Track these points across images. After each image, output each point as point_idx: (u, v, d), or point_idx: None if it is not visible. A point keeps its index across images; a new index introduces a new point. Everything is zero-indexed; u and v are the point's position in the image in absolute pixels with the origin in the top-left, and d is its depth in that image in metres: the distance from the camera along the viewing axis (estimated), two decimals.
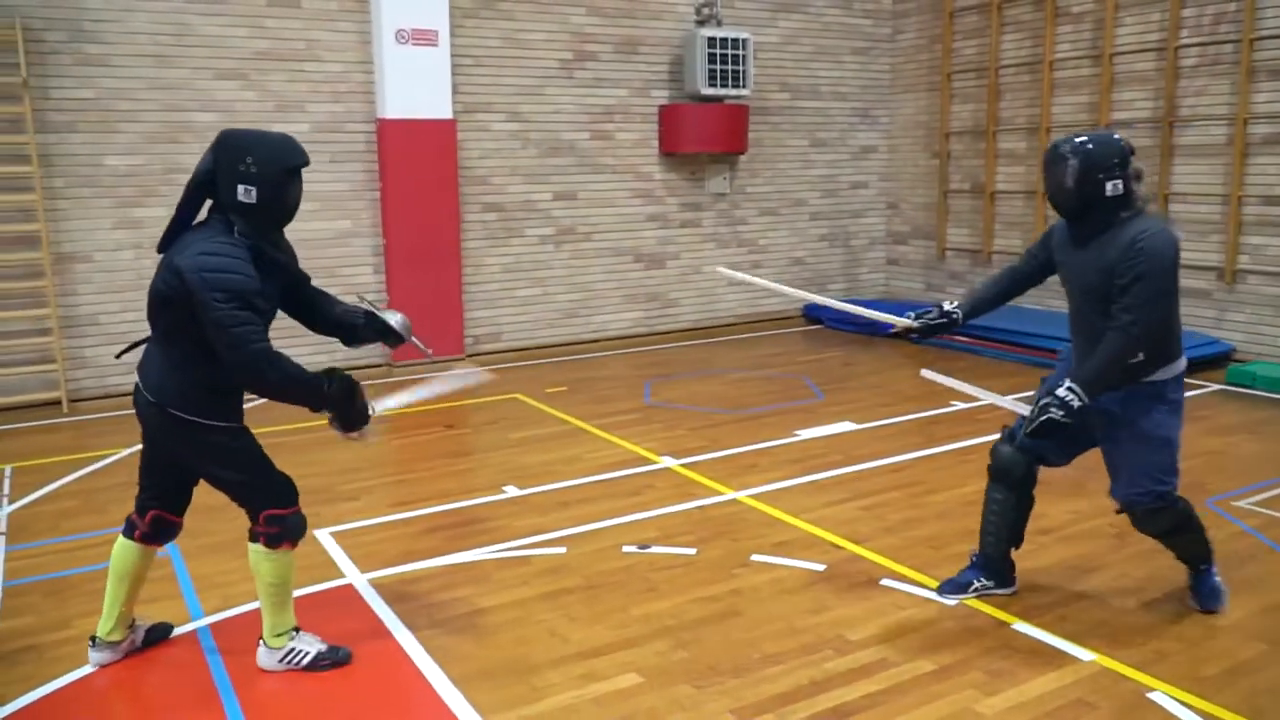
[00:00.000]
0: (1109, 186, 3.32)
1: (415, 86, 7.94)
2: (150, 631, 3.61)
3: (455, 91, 8.26)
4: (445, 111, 8.10)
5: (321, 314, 3.56)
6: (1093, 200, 3.36)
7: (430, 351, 3.79)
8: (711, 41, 8.99)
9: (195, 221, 3.20)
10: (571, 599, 3.98)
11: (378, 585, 4.11)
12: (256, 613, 3.78)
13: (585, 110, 9.02)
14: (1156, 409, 3.48)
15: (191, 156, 7.38)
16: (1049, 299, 9.43)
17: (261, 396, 3.24)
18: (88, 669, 3.46)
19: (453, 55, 8.17)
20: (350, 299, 3.76)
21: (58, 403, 7.11)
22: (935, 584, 4.04)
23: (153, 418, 3.22)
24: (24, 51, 6.70)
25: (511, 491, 5.29)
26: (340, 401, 3.22)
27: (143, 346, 3.36)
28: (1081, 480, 5.27)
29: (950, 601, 3.89)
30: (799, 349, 9.15)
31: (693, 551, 4.44)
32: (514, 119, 8.68)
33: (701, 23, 9.27)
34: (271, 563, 3.31)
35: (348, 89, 7.95)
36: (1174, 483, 3.54)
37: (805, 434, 6.28)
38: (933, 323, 3.90)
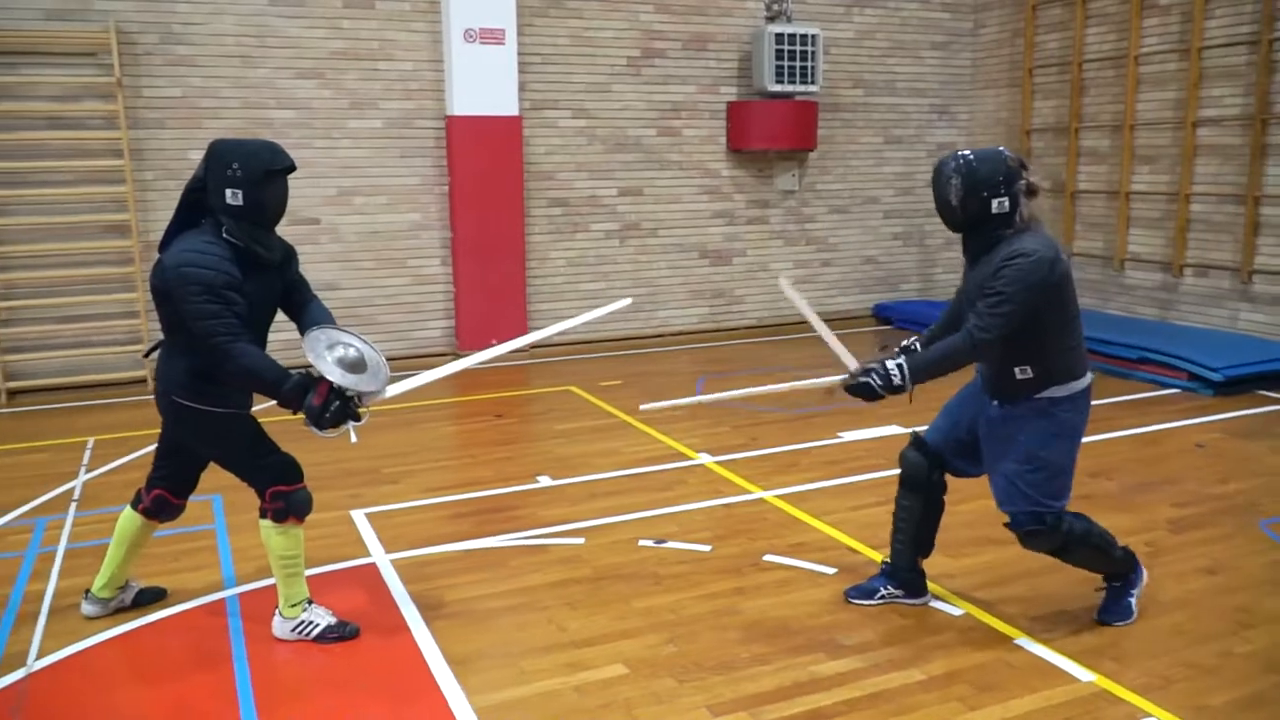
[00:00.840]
0: (994, 204, 3.32)
1: (483, 84, 8.16)
2: (140, 594, 3.91)
3: (522, 89, 8.46)
4: (512, 109, 8.31)
5: (310, 322, 3.64)
6: (978, 218, 3.36)
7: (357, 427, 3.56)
8: (779, 38, 8.97)
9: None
10: (578, 589, 4.10)
11: (399, 565, 4.31)
12: (273, 587, 4.05)
13: (652, 107, 9.12)
14: (1041, 427, 3.45)
15: None
16: (1140, 306, 9.15)
17: (228, 382, 3.39)
18: (128, 626, 3.75)
19: (520, 53, 8.37)
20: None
21: (143, 381, 7.58)
22: (945, 593, 4.03)
23: (163, 405, 3.51)
24: (118, 53, 7.16)
25: (544, 481, 5.44)
26: (292, 401, 3.32)
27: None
28: (1126, 496, 5.18)
29: (861, 603, 3.92)
30: (864, 349, 8.94)
31: (707, 549, 4.51)
32: (580, 115, 8.84)
33: (771, 19, 9.26)
34: (281, 537, 3.54)
35: (418, 87, 8.23)
36: (1056, 506, 3.51)
37: (849, 436, 6.26)
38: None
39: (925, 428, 3.91)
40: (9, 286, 7.25)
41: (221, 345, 3.23)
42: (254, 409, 3.62)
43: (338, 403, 3.33)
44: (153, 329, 7.63)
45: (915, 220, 10.56)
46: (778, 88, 9.06)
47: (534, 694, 3.33)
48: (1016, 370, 3.44)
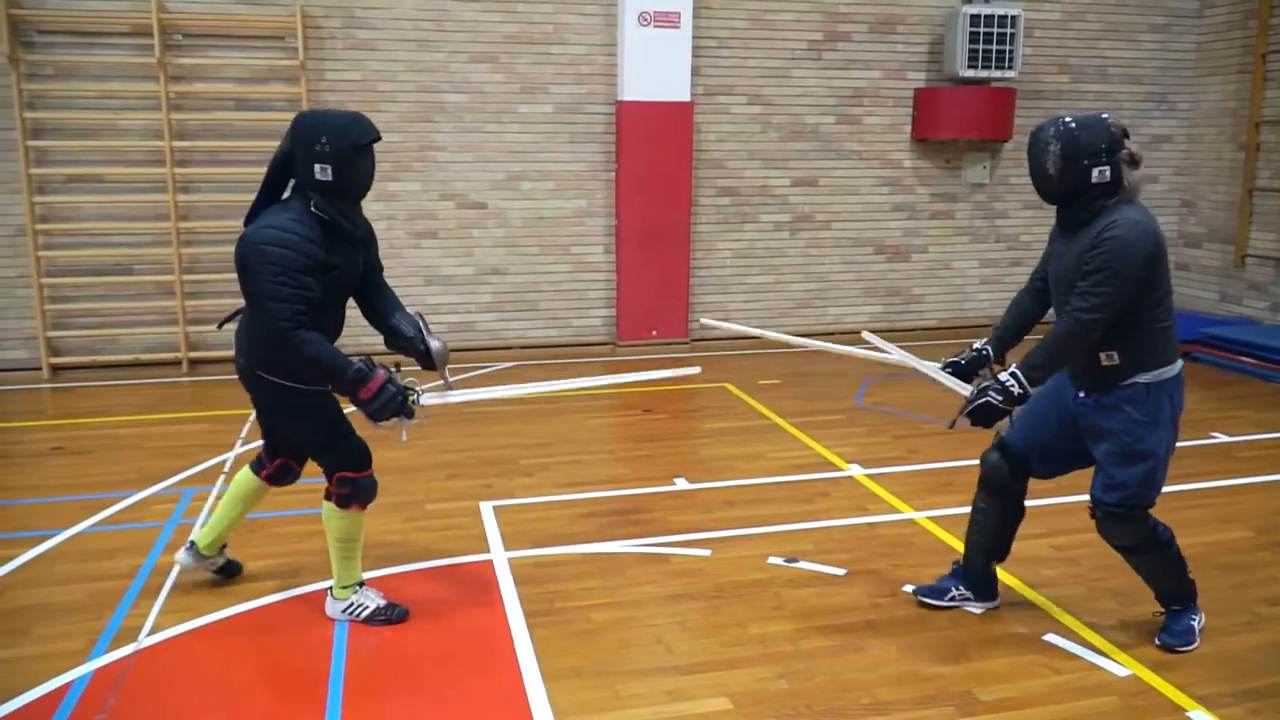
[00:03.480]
0: (1095, 173, 3.12)
1: (655, 69, 7.95)
2: (225, 566, 3.97)
3: (696, 74, 8.20)
4: (684, 94, 8.06)
5: (376, 308, 3.68)
6: (1077, 187, 3.16)
7: (450, 385, 3.68)
8: (975, 19, 8.30)
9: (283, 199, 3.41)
10: (693, 606, 3.84)
11: (515, 565, 4.18)
12: (401, 575, 4.03)
13: (833, 93, 8.65)
14: (1130, 417, 3.25)
15: (443, 135, 7.91)
16: None
17: (289, 367, 3.37)
18: (240, 608, 3.77)
19: (695, 37, 8.10)
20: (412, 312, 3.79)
21: None
22: (1111, 648, 3.52)
23: (246, 379, 3.50)
24: (303, 37, 7.39)
25: (681, 484, 5.20)
26: (350, 392, 3.29)
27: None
28: None
29: (931, 602, 3.79)
30: None
31: (842, 572, 4.14)
32: (755, 101, 8.49)
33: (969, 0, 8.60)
34: (341, 520, 3.53)
35: (590, 71, 8.11)
36: (1148, 498, 3.32)
37: None
38: (963, 366, 3.61)
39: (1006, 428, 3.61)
40: (194, 261, 7.64)
41: (286, 330, 3.20)
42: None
43: (395, 394, 3.28)
44: None
45: None
46: (971, 73, 8.40)
47: None
48: (1103, 356, 3.25)
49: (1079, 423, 3.40)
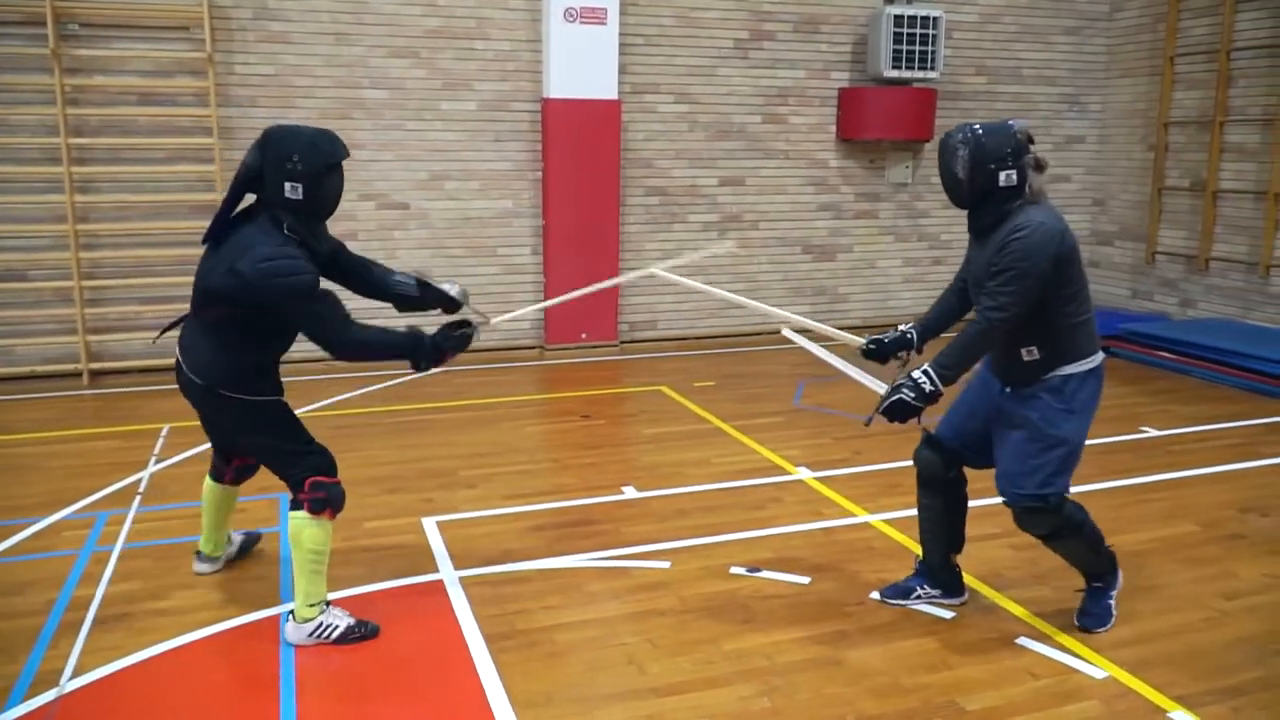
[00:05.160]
0: (1002, 177, 3.21)
1: (582, 66, 7.77)
2: (244, 543, 4.14)
3: (623, 71, 8.05)
4: (611, 92, 7.90)
5: (367, 280, 3.67)
6: (986, 191, 3.25)
7: (490, 320, 3.83)
8: (899, 20, 8.35)
9: (238, 212, 3.36)
10: (661, 622, 3.68)
11: (468, 584, 3.95)
12: (342, 601, 3.77)
13: (759, 92, 8.61)
14: (1052, 406, 3.33)
15: (363, 133, 7.58)
16: None
17: (354, 361, 3.57)
18: (172, 643, 3.47)
19: (622, 34, 7.95)
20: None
21: None
22: (1085, 650, 3.50)
23: (197, 394, 3.43)
24: (210, 28, 6.98)
25: (630, 493, 5.03)
26: (431, 357, 3.42)
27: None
28: None
29: (897, 603, 3.81)
30: None
31: (806, 580, 4.04)
32: (683, 100, 8.39)
33: (890, 0, 8.64)
34: (313, 529, 3.39)
35: (515, 68, 7.89)
36: (1061, 484, 3.38)
37: None
38: (885, 344, 3.75)
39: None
40: (95, 265, 7.16)
41: (343, 340, 3.25)
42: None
43: (457, 339, 3.47)
44: None
45: None
46: (894, 74, 8.45)
47: None
48: (1024, 352, 3.33)
49: (1000, 414, 3.46)
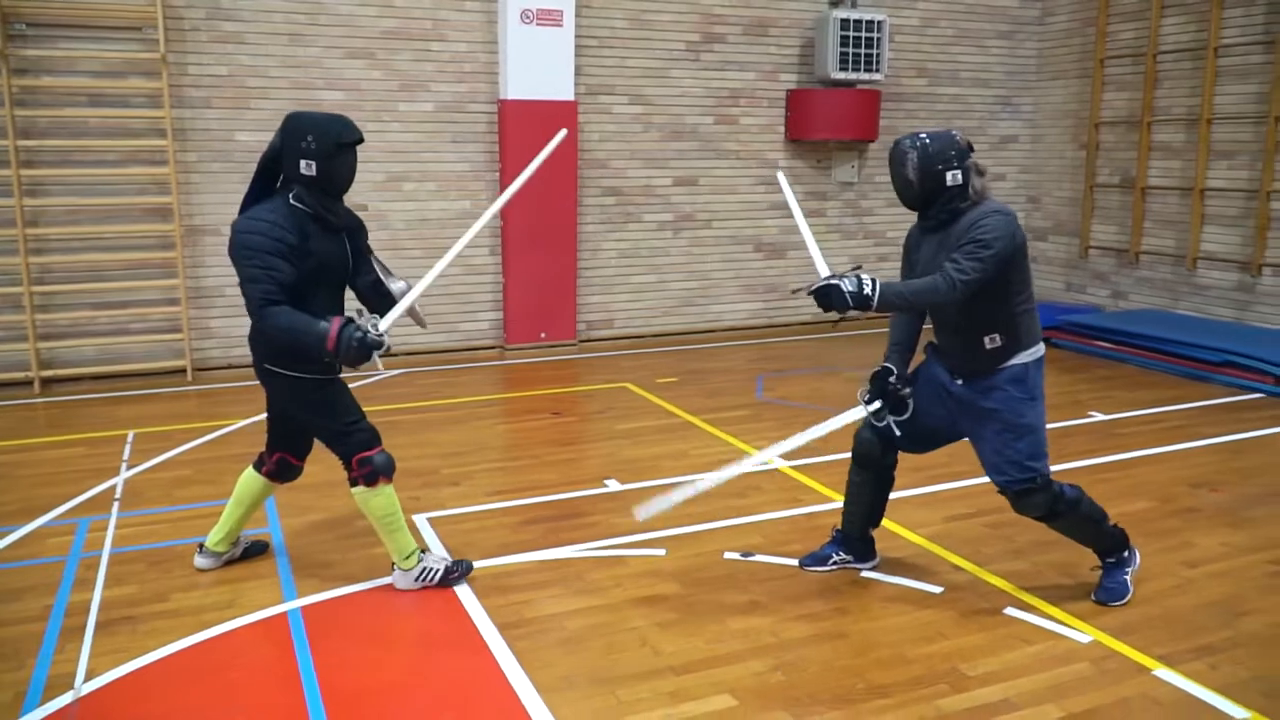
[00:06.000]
0: (949, 176, 3.47)
1: (538, 67, 7.83)
2: (249, 549, 4.14)
3: (578, 73, 8.13)
4: (567, 93, 7.98)
5: (359, 285, 3.83)
6: (934, 191, 3.49)
7: (425, 325, 4.12)
8: (845, 24, 8.60)
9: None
10: (666, 606, 3.78)
11: (470, 578, 3.99)
12: (350, 596, 3.81)
13: (710, 94, 8.77)
14: (1014, 396, 3.55)
15: None
16: (1213, 306, 8.75)
17: (273, 344, 3.51)
18: (183, 644, 3.45)
19: (577, 36, 8.03)
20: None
21: (183, 371, 7.31)
22: (1069, 617, 3.70)
23: (261, 375, 3.67)
24: (163, 28, 6.87)
25: (613, 486, 5.12)
26: (319, 348, 3.38)
27: None
28: (1236, 509, 4.82)
29: (816, 569, 4.07)
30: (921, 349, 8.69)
31: (797, 563, 4.18)
32: (637, 101, 8.50)
33: (835, 4, 8.88)
34: (376, 498, 3.68)
35: (472, 69, 7.91)
36: (1041, 465, 3.60)
37: None
38: (892, 395, 3.78)
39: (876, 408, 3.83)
40: (45, 270, 6.98)
41: (259, 308, 3.38)
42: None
43: (353, 333, 3.36)
44: (193, 316, 7.36)
45: None
46: (841, 75, 8.69)
47: None
48: (986, 340, 3.53)
49: (960, 409, 3.67)
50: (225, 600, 3.80)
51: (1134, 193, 9.19)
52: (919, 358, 3.92)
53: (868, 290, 3.35)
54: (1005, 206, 3.52)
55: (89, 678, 3.23)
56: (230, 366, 7.53)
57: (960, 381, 3.65)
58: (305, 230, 3.46)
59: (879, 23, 8.72)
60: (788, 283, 9.43)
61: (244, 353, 7.68)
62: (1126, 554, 3.88)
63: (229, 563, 4.08)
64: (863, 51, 8.69)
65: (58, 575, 4.00)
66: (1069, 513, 3.69)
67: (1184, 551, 4.34)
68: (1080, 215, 9.74)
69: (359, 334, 3.38)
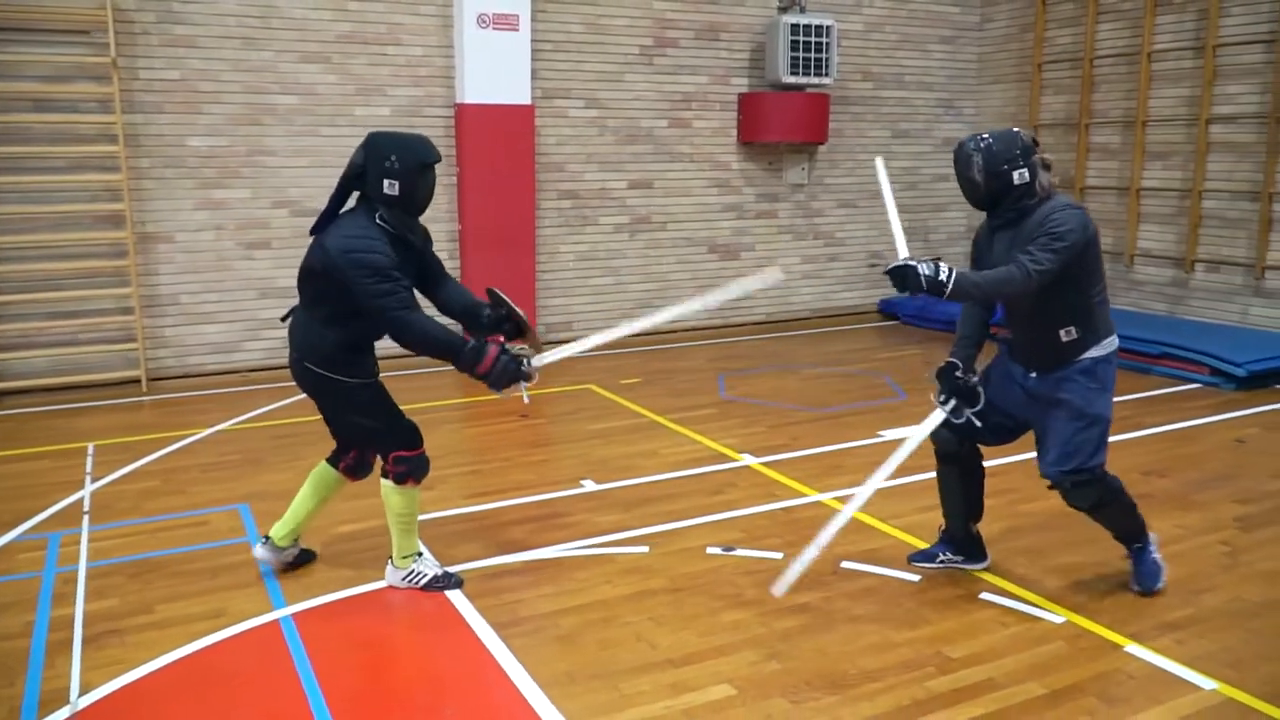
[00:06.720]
0: (1015, 175, 3.51)
1: (495, 71, 7.85)
2: (301, 554, 4.14)
3: (535, 77, 8.17)
4: (524, 97, 8.01)
5: (448, 297, 3.92)
6: (1002, 190, 3.54)
7: (540, 353, 3.89)
8: (795, 28, 8.77)
9: (344, 209, 3.69)
10: (657, 602, 3.85)
11: (460, 579, 4.02)
12: (340, 603, 3.83)
13: (664, 98, 8.87)
14: (1090, 388, 3.61)
15: (273, 139, 7.46)
16: (1149, 301, 9.08)
17: (410, 349, 3.64)
18: (177, 654, 3.43)
19: (533, 40, 8.07)
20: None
21: (138, 381, 7.18)
22: (1041, 600, 3.86)
23: (301, 374, 3.74)
24: (114, 32, 6.74)
25: (590, 486, 5.18)
26: (471, 365, 3.54)
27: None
28: (1186, 494, 5.05)
29: (922, 568, 4.10)
30: (875, 345, 8.92)
31: (779, 555, 4.28)
32: (592, 105, 8.57)
33: (784, 9, 9.05)
34: (400, 496, 3.81)
35: (428, 73, 7.90)
36: (1102, 458, 3.66)
37: (890, 435, 6.06)
38: (962, 388, 3.84)
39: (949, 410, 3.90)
40: None
41: (401, 318, 3.47)
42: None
43: (508, 362, 3.56)
44: (147, 325, 7.23)
45: (920, 215, 10.41)
46: (792, 79, 8.85)
47: (642, 719, 3.07)
48: (1062, 333, 3.58)
49: (1032, 401, 3.72)
50: (213, 610, 3.77)
51: (1073, 193, 9.50)
52: (988, 353, 3.93)
53: (943, 277, 3.34)
54: (1075, 201, 3.57)
55: (84, 691, 3.19)
56: (186, 376, 7.42)
57: (1034, 375, 3.70)
58: (393, 249, 3.54)
59: (828, 28, 8.91)
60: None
61: (199, 361, 7.64)
62: (1146, 535, 3.95)
63: (286, 565, 4.06)
64: (813, 56, 8.87)
65: (34, 591, 3.93)
66: (1114, 503, 3.76)
67: None
68: None
69: (514, 364, 3.56)
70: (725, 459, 5.63)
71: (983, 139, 3.56)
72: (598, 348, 4.00)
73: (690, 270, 9.29)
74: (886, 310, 10.13)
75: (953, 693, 3.23)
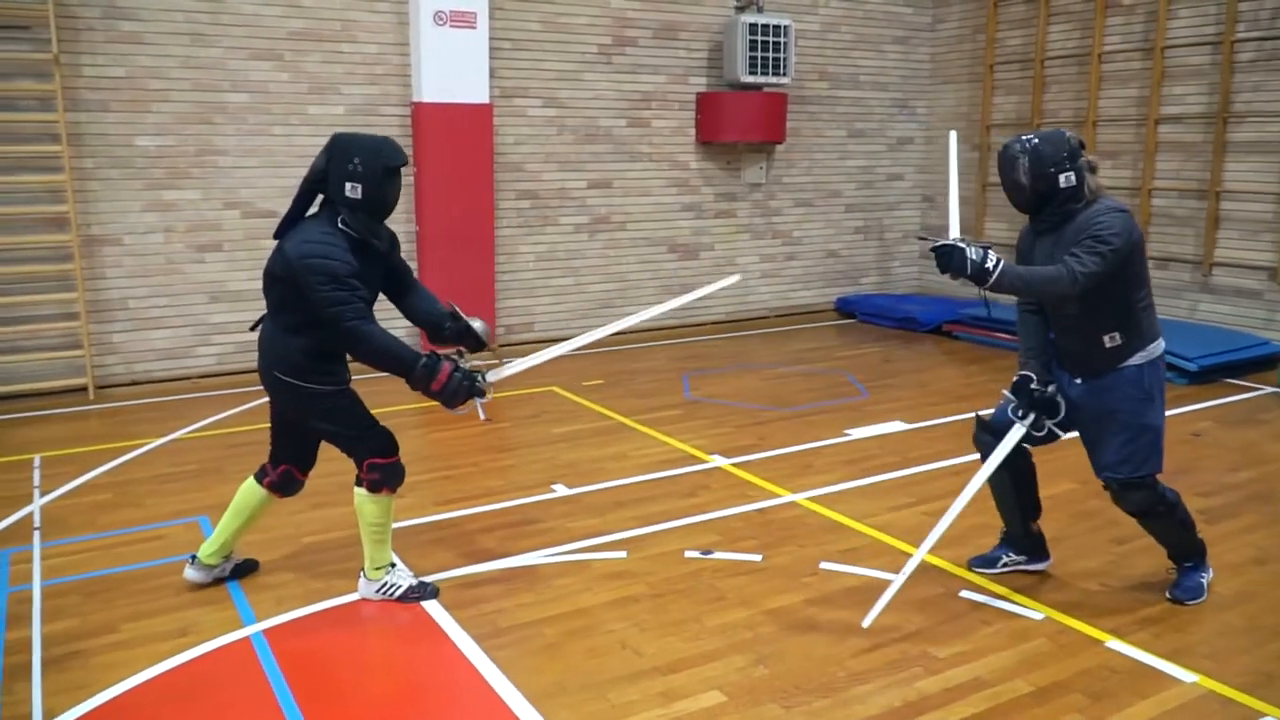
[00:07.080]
0: (1062, 179, 3.44)
1: (452, 70, 7.73)
2: (239, 566, 4.03)
3: (493, 75, 8.06)
4: (482, 96, 7.90)
5: (413, 306, 3.84)
6: (1048, 194, 3.47)
7: (503, 363, 3.87)
8: (753, 28, 8.76)
9: (308, 213, 3.58)
10: (639, 608, 3.80)
11: (436, 589, 3.92)
12: (312, 617, 3.72)
13: (623, 97, 8.81)
14: (1134, 397, 3.57)
15: (223, 139, 7.26)
16: None
17: (361, 362, 3.52)
18: (145, 675, 3.29)
19: (491, 38, 7.96)
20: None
21: (84, 389, 6.94)
22: (1020, 598, 3.87)
23: (272, 385, 3.62)
24: (55, 27, 6.50)
25: (561, 490, 5.10)
26: (423, 380, 3.46)
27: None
28: None
29: (986, 571, 4.06)
30: (835, 344, 8.95)
31: (758, 558, 4.25)
32: (551, 104, 8.48)
33: (742, 9, 9.05)
34: (373, 505, 3.71)
35: (384, 71, 7.75)
36: (1156, 463, 3.62)
37: (856, 433, 6.08)
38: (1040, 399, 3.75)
39: (988, 411, 4.00)
40: None
41: (354, 328, 3.38)
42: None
43: (461, 379, 3.47)
44: (94, 331, 6.99)
45: (875, 214, 10.48)
46: (750, 79, 8.85)
47: None
48: (1106, 339, 3.54)
49: (1077, 408, 3.67)
50: (179, 628, 3.63)
51: None
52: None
53: (989, 265, 3.29)
54: (1120, 204, 3.50)
55: (48, 718, 3.05)
56: (135, 383, 7.19)
57: (1079, 381, 3.66)
58: (355, 255, 3.44)
59: (785, 27, 8.92)
60: (701, 282, 9.54)
61: (148, 368, 7.41)
62: (1204, 561, 3.92)
63: (218, 580, 3.95)
64: (770, 55, 8.87)
65: None
66: (1166, 515, 3.72)
67: (1111, 529, 4.57)
68: (974, 214, 10.16)
69: (468, 382, 3.47)
70: (695, 460, 5.59)
71: (1030, 141, 3.46)
72: (557, 358, 3.97)
73: (650, 270, 9.25)
74: (844, 309, 10.18)
75: (943, 693, 3.22)
